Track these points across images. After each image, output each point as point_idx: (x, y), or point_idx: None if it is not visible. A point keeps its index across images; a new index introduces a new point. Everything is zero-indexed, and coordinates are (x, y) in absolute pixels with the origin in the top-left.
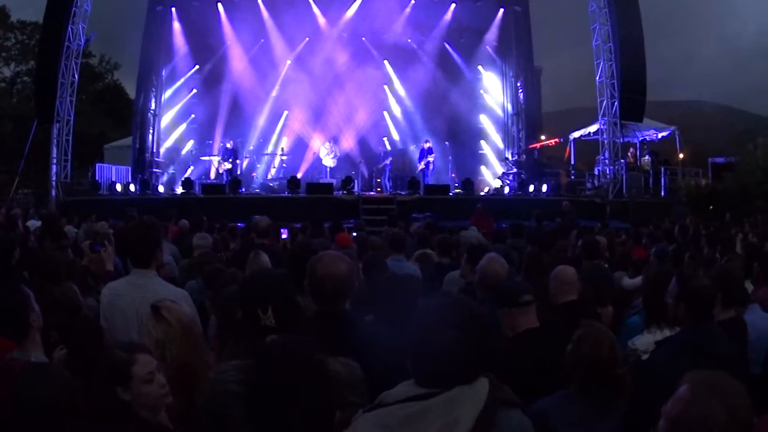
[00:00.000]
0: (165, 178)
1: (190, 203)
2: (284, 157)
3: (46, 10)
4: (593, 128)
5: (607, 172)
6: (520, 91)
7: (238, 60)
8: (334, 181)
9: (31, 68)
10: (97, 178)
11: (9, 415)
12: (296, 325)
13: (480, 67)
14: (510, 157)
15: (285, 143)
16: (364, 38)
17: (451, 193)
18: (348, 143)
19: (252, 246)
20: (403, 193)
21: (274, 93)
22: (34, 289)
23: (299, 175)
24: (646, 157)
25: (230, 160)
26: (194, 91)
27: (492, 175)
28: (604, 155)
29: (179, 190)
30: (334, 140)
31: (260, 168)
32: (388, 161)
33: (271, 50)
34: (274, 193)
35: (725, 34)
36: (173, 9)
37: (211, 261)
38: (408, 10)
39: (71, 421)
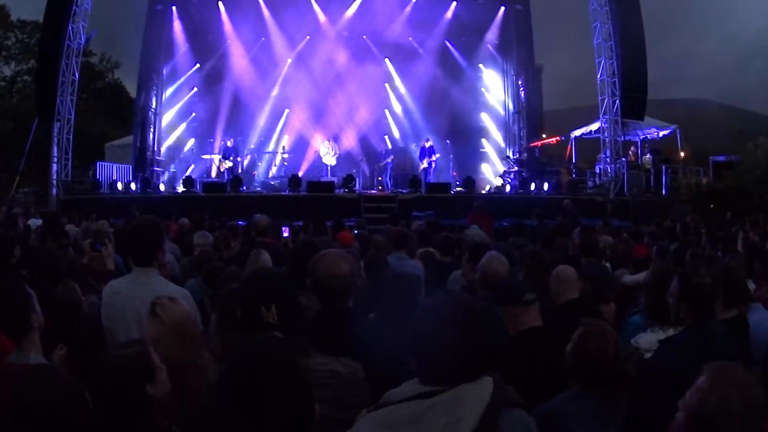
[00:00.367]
0: (166, 176)
1: (191, 202)
2: (285, 156)
3: (46, 8)
4: (594, 126)
5: (609, 170)
6: (521, 89)
7: (238, 58)
8: (335, 179)
9: (32, 67)
10: (97, 177)
11: (9, 419)
12: (297, 324)
13: (481, 65)
14: (511, 155)
15: (286, 141)
16: (365, 36)
17: (452, 192)
18: (349, 141)
19: (253, 244)
20: (404, 191)
21: (275, 91)
22: (35, 288)
23: (300, 174)
24: (647, 156)
25: (231, 158)
26: (195, 89)
27: (493, 174)
28: (605, 154)
29: (180, 188)
30: (335, 138)
31: (261, 166)
32: (389, 159)
33: (272, 48)
34: (275, 191)
35: (726, 33)
36: (173, 7)
37: (210, 259)
38: (409, 8)
39: (73, 424)
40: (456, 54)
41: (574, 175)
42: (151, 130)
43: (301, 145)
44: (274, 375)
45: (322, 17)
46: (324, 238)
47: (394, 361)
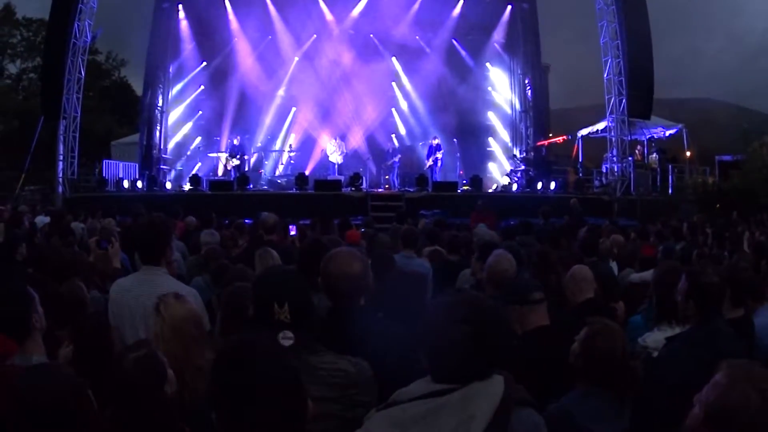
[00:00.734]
0: (172, 174)
1: (197, 200)
2: (292, 154)
3: (51, 6)
4: (601, 125)
5: (615, 169)
6: (528, 88)
7: (245, 56)
8: (342, 177)
9: (37, 65)
10: (104, 175)
11: (12, 419)
12: (310, 322)
13: (488, 64)
14: (518, 154)
15: (293, 140)
16: (371, 35)
17: (459, 190)
18: (356, 140)
19: (260, 243)
20: (411, 190)
21: (281, 90)
22: (40, 285)
23: (307, 172)
24: (654, 155)
25: (238, 156)
26: (201, 87)
27: (500, 172)
28: (611, 153)
29: (187, 186)
30: (342, 137)
31: (268, 164)
32: (396, 158)
33: (279, 47)
34: (281, 189)
35: (733, 32)
36: (180, 5)
37: (217, 257)
38: (415, 6)
39: (78, 423)
40: (463, 53)
41: (580, 174)
42: (158, 128)
43: (307, 144)
44: (258, 369)
45: (328, 16)
46: (332, 236)
47: (402, 360)
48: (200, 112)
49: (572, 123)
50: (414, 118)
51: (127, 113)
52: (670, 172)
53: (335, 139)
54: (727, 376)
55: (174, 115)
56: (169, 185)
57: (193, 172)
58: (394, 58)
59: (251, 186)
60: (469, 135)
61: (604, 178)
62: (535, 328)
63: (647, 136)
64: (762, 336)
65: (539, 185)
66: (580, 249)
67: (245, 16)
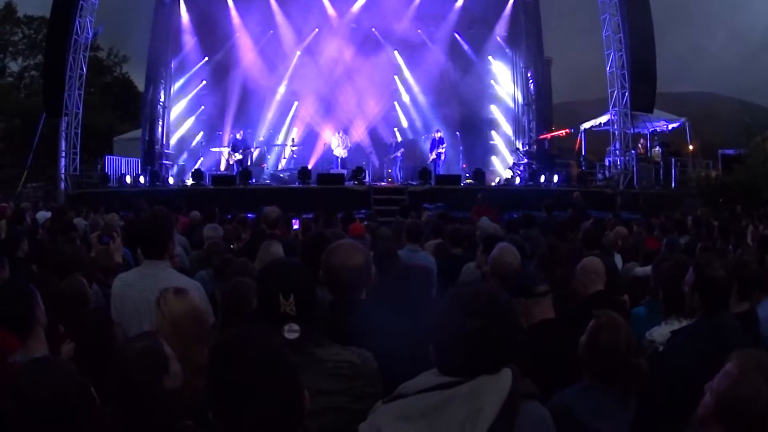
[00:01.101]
0: (175, 169)
1: (200, 195)
2: (294, 148)
3: (53, 3)
4: (604, 119)
5: (618, 163)
6: (531, 81)
7: (247, 51)
8: (344, 171)
9: (39, 62)
10: (106, 171)
11: (13, 415)
12: (314, 315)
13: (490, 58)
14: (521, 147)
15: (295, 134)
16: (373, 29)
17: (462, 184)
18: (358, 133)
19: (262, 236)
20: (414, 183)
21: (283, 84)
22: (42, 282)
23: (310, 166)
24: (657, 149)
25: (240, 151)
26: (203, 82)
27: (503, 166)
28: (614, 146)
29: (189, 181)
30: (345, 131)
31: (270, 159)
32: (399, 152)
33: (280, 41)
34: (284, 183)
35: (736, 27)
36: (181, 1)
37: (220, 251)
38: (417, 0)
39: (79, 418)
40: (465, 46)
41: (583, 168)
42: (160, 123)
43: (310, 138)
44: (252, 364)
45: (330, 10)
46: (334, 229)
47: (406, 354)
48: (202, 107)
49: (575, 116)
50: (416, 112)
51: (129, 109)
52: (672, 166)
53: (338, 133)
54: (738, 367)
55: (176, 111)
56: (171, 180)
57: (196, 167)
58: (396, 52)
59: (254, 180)
60: (471, 128)
61: (606, 172)
62: (540, 321)
63: (650, 130)
64: (766, 327)
65: (542, 178)
66: (582, 241)
67: (246, 11)
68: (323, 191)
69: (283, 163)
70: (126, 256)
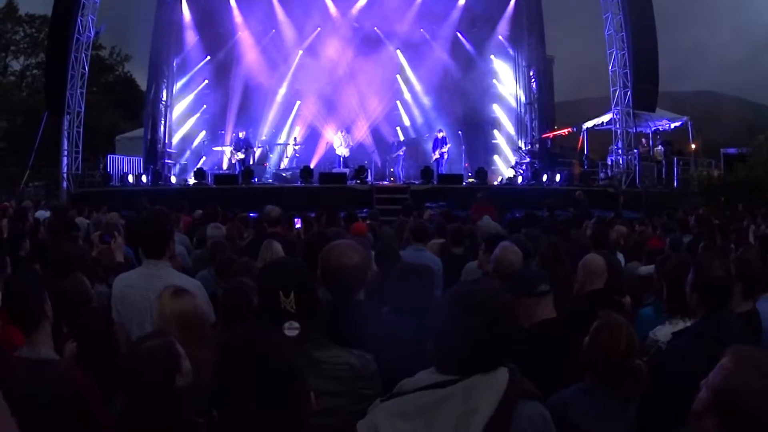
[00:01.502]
0: (177, 168)
1: (202, 194)
2: (297, 147)
3: (54, 2)
4: (606, 118)
5: (620, 162)
6: (533, 80)
7: (249, 50)
8: (347, 170)
9: (41, 61)
10: (108, 170)
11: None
12: (314, 314)
13: (492, 57)
14: (523, 146)
15: (297, 133)
16: (375, 27)
17: (464, 183)
18: (361, 133)
19: (264, 235)
20: (416, 182)
21: (286, 83)
22: (45, 281)
23: (312, 165)
24: (659, 148)
25: (243, 150)
26: (206, 81)
27: (505, 165)
28: (617, 145)
29: (192, 180)
30: (347, 130)
31: (273, 158)
32: (401, 151)
33: (283, 40)
34: (286, 183)
35: (738, 25)
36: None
37: (223, 250)
38: None
39: (82, 420)
40: (467, 45)
41: (585, 167)
42: (162, 122)
43: (312, 137)
44: (258, 363)
45: (332, 9)
46: (337, 228)
47: (405, 353)
48: (204, 106)
49: (577, 115)
50: (419, 111)
51: (132, 108)
52: (675, 165)
53: (340, 132)
54: (733, 361)
55: (178, 110)
56: (174, 179)
57: (198, 166)
58: (398, 51)
59: (256, 179)
60: (474, 127)
61: (609, 171)
62: (542, 320)
63: (652, 129)
64: (767, 320)
65: (544, 178)
66: (591, 241)
67: (248, 10)
68: (325, 190)
69: (285, 162)
70: (129, 254)
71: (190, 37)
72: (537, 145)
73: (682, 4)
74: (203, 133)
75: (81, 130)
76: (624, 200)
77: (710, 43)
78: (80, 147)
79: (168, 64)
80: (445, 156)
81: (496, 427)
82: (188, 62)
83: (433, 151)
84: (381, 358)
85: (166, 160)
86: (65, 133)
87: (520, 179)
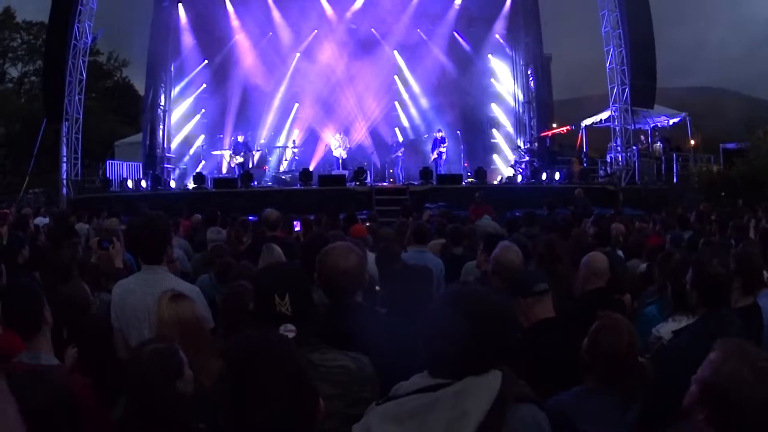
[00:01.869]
0: (176, 173)
1: (202, 198)
2: (295, 150)
3: (51, 8)
4: (604, 115)
5: (620, 159)
6: (531, 79)
7: (246, 54)
8: (346, 172)
9: (39, 68)
10: (107, 176)
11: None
12: (311, 317)
13: (490, 56)
14: (522, 145)
15: (296, 136)
16: (372, 29)
17: (464, 183)
18: (359, 134)
19: (263, 239)
20: (415, 183)
21: (283, 86)
22: (44, 287)
23: (311, 168)
24: (658, 144)
25: (242, 153)
26: (204, 85)
27: (504, 164)
28: (616, 142)
29: (191, 185)
30: (346, 131)
31: (272, 161)
32: (400, 152)
33: (280, 43)
34: (286, 185)
35: (736, 20)
36: (180, 3)
37: (222, 255)
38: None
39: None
40: (464, 45)
41: (585, 165)
42: (161, 127)
43: (311, 139)
44: (267, 366)
45: (329, 10)
46: (336, 231)
47: (403, 356)
48: (203, 110)
49: (576, 113)
50: (417, 111)
51: (130, 113)
52: (674, 161)
53: (339, 134)
54: (720, 353)
55: (177, 114)
56: (173, 184)
57: (197, 170)
58: (395, 52)
59: (255, 183)
60: (472, 127)
61: (608, 168)
62: (541, 320)
63: (651, 125)
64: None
65: (544, 176)
66: (595, 239)
67: (245, 13)
68: (325, 192)
69: (284, 165)
70: (128, 260)
71: (188, 41)
72: (536, 144)
73: (680, 1)
74: (202, 137)
75: (80, 136)
76: (624, 197)
77: (709, 39)
78: (79, 153)
79: (166, 69)
80: (444, 156)
81: (489, 431)
82: (186, 67)
83: (432, 152)
84: (379, 360)
85: (166, 165)
86: (64, 140)
87: (519, 178)
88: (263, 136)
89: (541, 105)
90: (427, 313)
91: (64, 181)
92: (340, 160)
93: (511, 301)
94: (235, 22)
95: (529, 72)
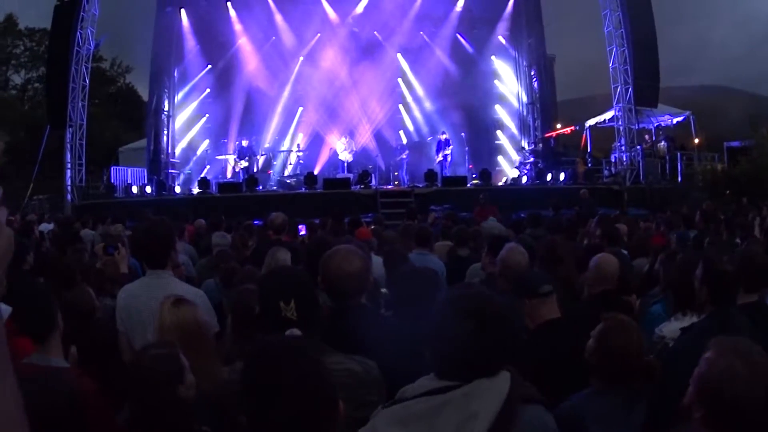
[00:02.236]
0: (181, 178)
1: (207, 203)
2: (300, 154)
3: (53, 15)
4: (608, 115)
5: (624, 158)
6: (534, 79)
7: (249, 58)
8: (351, 175)
9: (42, 75)
10: (112, 181)
11: None
12: (317, 321)
13: (493, 57)
14: (526, 146)
15: (301, 139)
16: (375, 32)
17: (469, 185)
18: (364, 137)
19: (269, 243)
20: (420, 185)
21: (287, 89)
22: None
23: (316, 171)
24: (662, 143)
25: (246, 158)
26: (207, 90)
27: (509, 165)
28: (620, 142)
29: (196, 190)
30: (350, 135)
31: (276, 165)
32: (404, 154)
33: (283, 47)
34: (291, 189)
35: (738, 19)
36: (182, 9)
37: (227, 259)
38: (418, 1)
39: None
40: (467, 47)
41: (589, 165)
42: (165, 132)
43: (315, 143)
44: (292, 369)
45: (332, 14)
46: (347, 237)
47: (407, 358)
48: (207, 115)
49: (580, 113)
50: (421, 114)
51: (134, 119)
52: (678, 160)
53: (343, 137)
54: (714, 351)
55: (181, 119)
56: (178, 189)
57: (202, 175)
58: (399, 55)
59: (260, 187)
60: (477, 129)
61: (613, 168)
62: (546, 321)
63: (655, 125)
64: None
65: (549, 177)
66: (601, 239)
67: (248, 18)
68: (330, 196)
69: (289, 169)
70: (134, 266)
71: (191, 46)
72: (540, 145)
73: (682, 0)
74: (206, 142)
75: (84, 142)
76: (629, 197)
77: (711, 38)
78: (83, 159)
79: (169, 75)
80: (449, 158)
81: None
82: (189, 72)
83: (437, 154)
84: (383, 363)
85: (170, 170)
86: (68, 146)
87: (524, 179)
88: (268, 140)
89: (544, 106)
90: (434, 315)
91: (69, 188)
92: (345, 164)
93: (517, 302)
94: (237, 27)
95: (532, 73)
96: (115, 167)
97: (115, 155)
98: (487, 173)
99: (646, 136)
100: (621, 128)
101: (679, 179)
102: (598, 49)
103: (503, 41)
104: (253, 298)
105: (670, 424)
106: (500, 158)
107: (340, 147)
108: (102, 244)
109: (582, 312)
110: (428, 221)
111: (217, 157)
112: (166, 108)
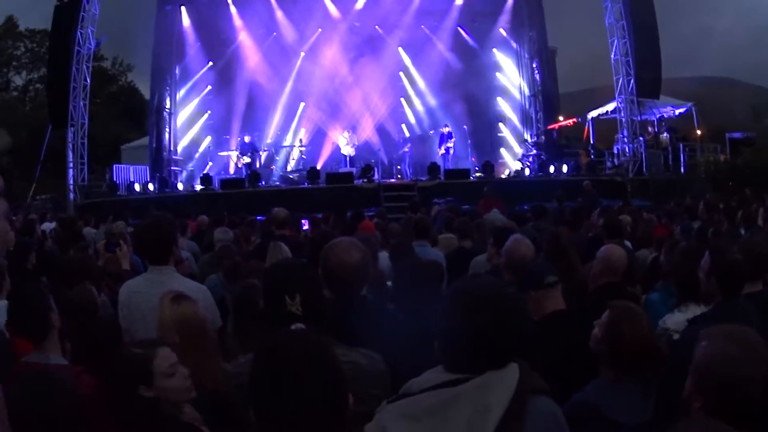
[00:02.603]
0: (184, 175)
1: (210, 199)
2: (302, 149)
3: (53, 15)
4: (611, 107)
5: (627, 150)
6: (536, 72)
7: (251, 54)
8: (353, 170)
9: (43, 75)
10: (114, 180)
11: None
12: (322, 315)
13: (495, 50)
14: (529, 138)
15: (303, 135)
16: (376, 26)
17: (471, 177)
18: (366, 131)
19: (272, 238)
20: (423, 179)
21: (289, 85)
22: (52, 291)
23: (318, 166)
24: (665, 134)
25: (249, 154)
26: (209, 87)
27: (512, 158)
28: (622, 133)
29: (198, 186)
30: (353, 129)
31: (279, 160)
32: (407, 148)
33: (284, 43)
34: (294, 185)
35: (741, 9)
36: (182, 7)
37: (230, 254)
38: None
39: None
40: (469, 39)
41: (592, 157)
42: (167, 130)
43: (318, 138)
44: (305, 362)
45: (332, 9)
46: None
47: (410, 350)
48: (209, 112)
49: (582, 105)
50: (423, 107)
51: (136, 117)
52: (681, 151)
53: (346, 132)
54: (707, 339)
55: (183, 116)
56: (180, 186)
57: (205, 171)
58: (400, 48)
59: (263, 183)
60: (479, 121)
61: (616, 160)
62: (551, 312)
63: (657, 116)
64: None
65: (552, 169)
66: (603, 231)
67: (248, 14)
68: (333, 191)
69: (291, 164)
70: (137, 263)
71: (191, 43)
72: (543, 137)
73: None
74: (208, 138)
75: (86, 141)
76: (632, 188)
77: (713, 28)
78: (86, 158)
79: (170, 72)
80: (451, 151)
81: (509, 425)
82: (190, 69)
83: (439, 147)
84: (388, 356)
85: (173, 168)
86: (70, 145)
87: (527, 171)
88: (270, 135)
89: (547, 98)
90: (445, 307)
91: (71, 187)
92: (348, 158)
93: (522, 293)
94: (238, 23)
95: (534, 65)
96: (117, 165)
97: (117, 153)
98: (490, 166)
99: (649, 128)
100: (623, 120)
101: (682, 170)
102: (600, 41)
103: (505, 34)
104: (257, 293)
105: (676, 417)
106: (503, 151)
107: (343, 141)
108: (104, 242)
109: (588, 303)
110: (431, 214)
111: (220, 154)
112: (168, 105)
